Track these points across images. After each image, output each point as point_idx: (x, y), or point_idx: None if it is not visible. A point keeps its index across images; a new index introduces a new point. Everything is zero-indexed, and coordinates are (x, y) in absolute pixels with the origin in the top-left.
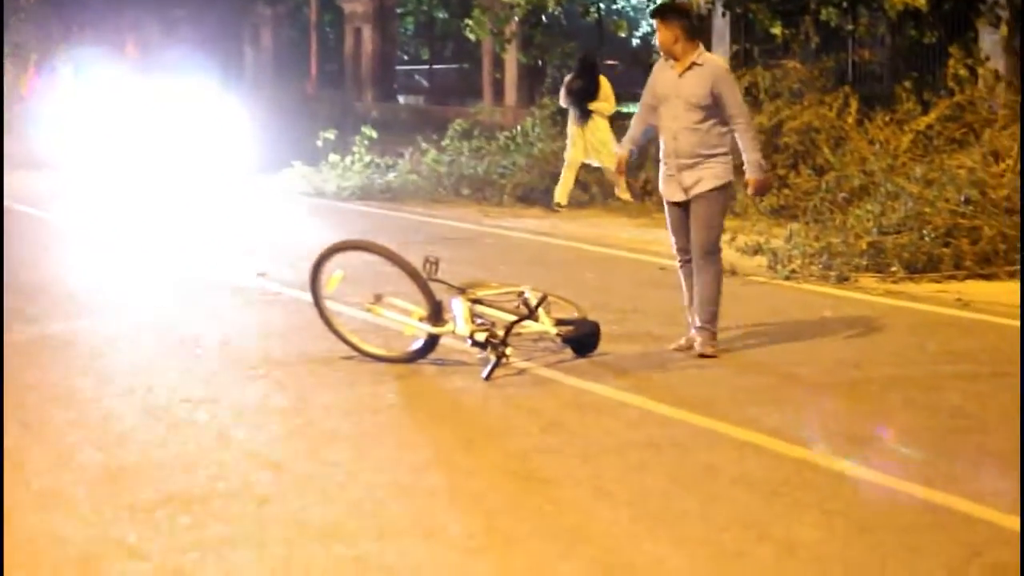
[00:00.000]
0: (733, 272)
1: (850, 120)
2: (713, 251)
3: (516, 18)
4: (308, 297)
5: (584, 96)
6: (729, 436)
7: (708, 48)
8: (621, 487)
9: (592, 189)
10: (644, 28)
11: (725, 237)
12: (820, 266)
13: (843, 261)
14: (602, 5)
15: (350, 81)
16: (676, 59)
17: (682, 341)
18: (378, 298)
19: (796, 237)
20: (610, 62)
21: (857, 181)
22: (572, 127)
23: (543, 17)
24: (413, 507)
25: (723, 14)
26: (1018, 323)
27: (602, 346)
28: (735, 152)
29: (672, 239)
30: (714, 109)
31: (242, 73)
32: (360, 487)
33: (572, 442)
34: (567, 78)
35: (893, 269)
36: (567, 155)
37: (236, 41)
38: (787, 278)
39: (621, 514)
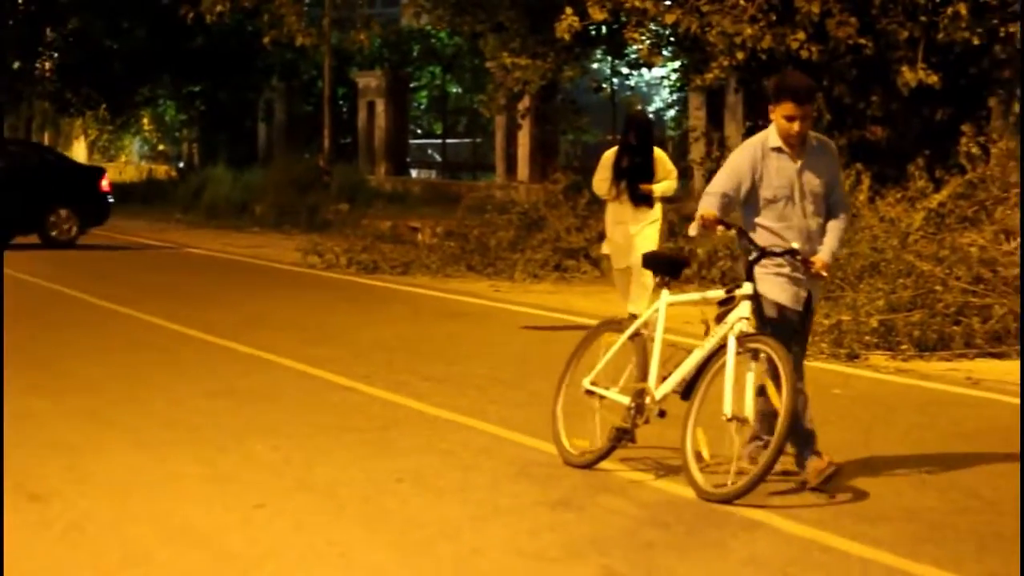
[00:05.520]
0: None
1: (861, 197)
2: None
3: (529, 94)
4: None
5: (642, 175)
6: (739, 515)
7: (720, 126)
8: (630, 566)
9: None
10: (657, 103)
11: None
12: (830, 343)
13: (853, 339)
14: (615, 80)
15: (363, 155)
16: (796, 148)
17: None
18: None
19: None
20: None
21: (868, 259)
22: (617, 225)
23: (556, 93)
24: None
25: (736, 90)
26: None
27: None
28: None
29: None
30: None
31: (255, 147)
32: (362, 567)
33: (581, 520)
34: (609, 153)
35: (903, 347)
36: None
37: (250, 116)
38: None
39: None
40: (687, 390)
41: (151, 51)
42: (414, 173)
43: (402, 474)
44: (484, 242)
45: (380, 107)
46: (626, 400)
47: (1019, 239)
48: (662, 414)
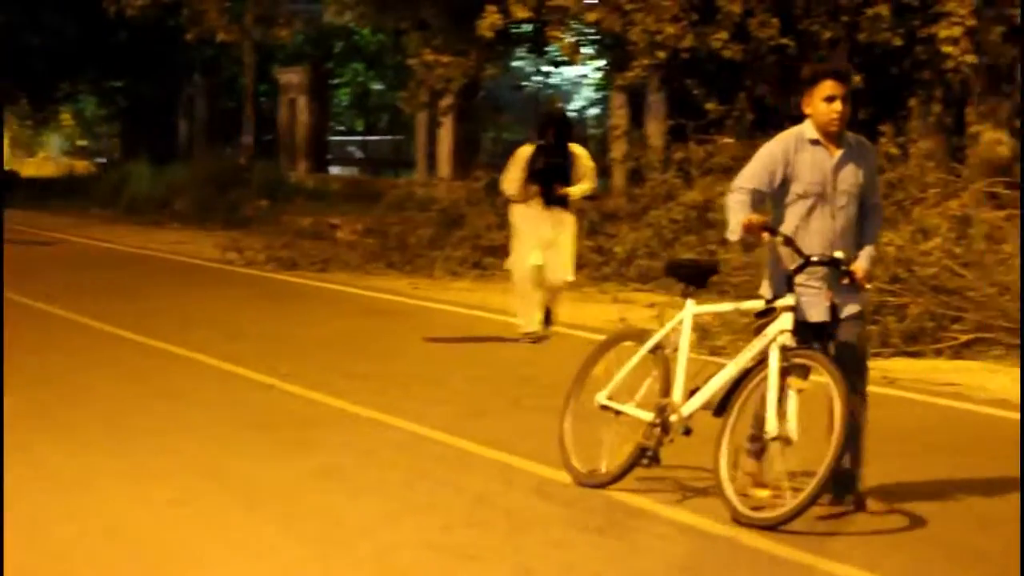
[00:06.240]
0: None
1: None
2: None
3: (451, 91)
4: None
5: (558, 177)
6: (659, 515)
7: (640, 124)
8: (544, 563)
9: None
10: (579, 101)
11: (653, 312)
12: (748, 342)
13: None
14: (538, 79)
15: (284, 151)
16: (835, 139)
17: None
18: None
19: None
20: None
21: None
22: (526, 221)
23: (479, 90)
24: None
25: (658, 89)
26: (944, 401)
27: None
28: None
29: None
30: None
31: (176, 143)
32: (280, 564)
33: (497, 518)
34: (523, 151)
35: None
36: (523, 266)
37: (172, 112)
38: (713, 353)
39: None
40: (720, 406)
41: (73, 45)
42: (335, 170)
43: (321, 472)
44: (404, 239)
45: (302, 103)
46: (648, 416)
47: (937, 240)
48: (688, 432)
